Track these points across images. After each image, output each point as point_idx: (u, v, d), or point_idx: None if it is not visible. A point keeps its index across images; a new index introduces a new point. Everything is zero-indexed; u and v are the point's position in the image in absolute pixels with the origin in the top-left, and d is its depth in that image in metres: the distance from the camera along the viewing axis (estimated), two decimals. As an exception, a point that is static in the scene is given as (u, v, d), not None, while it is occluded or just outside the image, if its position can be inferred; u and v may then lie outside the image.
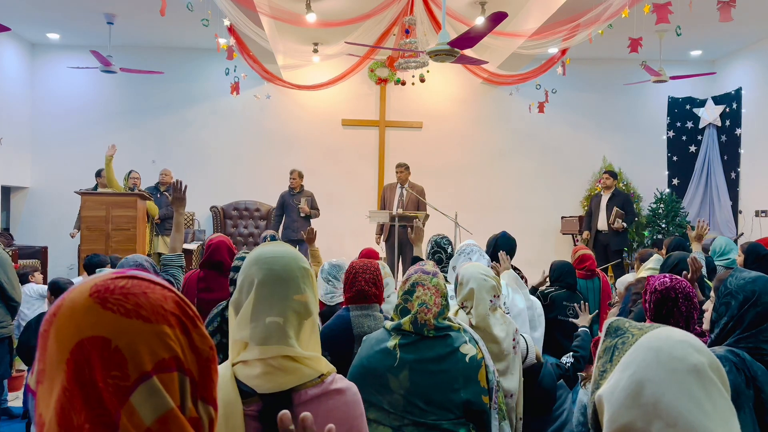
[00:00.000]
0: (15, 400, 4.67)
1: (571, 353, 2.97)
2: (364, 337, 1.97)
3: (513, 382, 2.24)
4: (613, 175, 7.74)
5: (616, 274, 6.84)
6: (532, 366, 2.49)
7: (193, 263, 7.29)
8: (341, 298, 2.81)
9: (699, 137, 9.13)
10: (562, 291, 3.79)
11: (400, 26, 6.61)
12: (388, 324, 1.90)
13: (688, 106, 9.16)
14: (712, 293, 1.96)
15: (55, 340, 0.62)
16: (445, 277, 3.07)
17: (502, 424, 1.92)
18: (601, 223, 7.51)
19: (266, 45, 6.92)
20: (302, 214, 7.17)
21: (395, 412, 1.78)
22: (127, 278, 0.67)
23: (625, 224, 7.29)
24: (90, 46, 7.80)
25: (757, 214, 8.10)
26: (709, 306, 1.98)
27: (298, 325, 1.22)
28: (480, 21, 6.01)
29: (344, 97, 9.05)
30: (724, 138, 8.80)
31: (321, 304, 3.09)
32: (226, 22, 6.02)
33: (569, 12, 5.95)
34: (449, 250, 3.45)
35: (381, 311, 2.41)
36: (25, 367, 4.61)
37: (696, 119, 9.11)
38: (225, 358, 1.26)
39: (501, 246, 3.81)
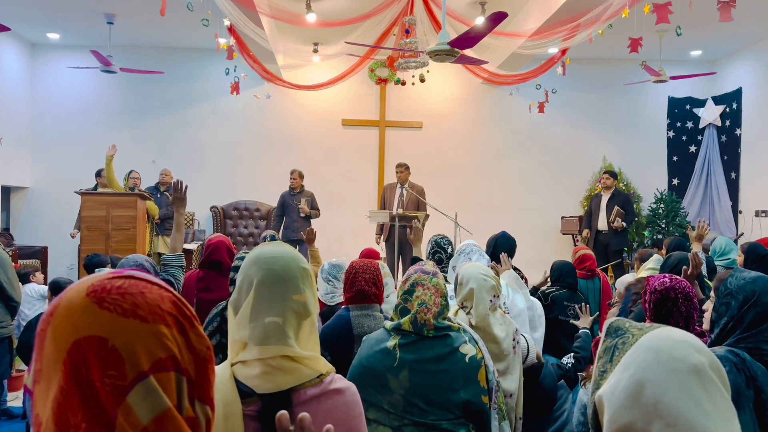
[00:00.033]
0: (15, 400, 4.67)
1: (572, 354, 2.97)
2: (364, 337, 1.97)
3: (513, 382, 2.24)
4: (613, 175, 7.74)
5: (616, 274, 6.83)
6: (532, 366, 2.49)
7: (193, 263, 7.29)
8: (341, 298, 2.81)
9: (699, 137, 9.14)
10: (563, 291, 3.79)
11: (400, 26, 6.61)
12: (388, 324, 1.90)
13: (688, 106, 9.16)
14: (712, 293, 1.96)
15: (52, 339, 0.62)
16: (445, 277, 3.07)
17: (501, 424, 1.92)
18: (601, 223, 7.51)
19: (266, 45, 6.92)
20: (302, 215, 7.17)
21: (395, 412, 1.78)
22: (124, 278, 0.67)
23: (624, 224, 7.29)
24: (90, 46, 7.80)
25: (757, 214, 8.10)
26: (709, 306, 1.98)
27: (297, 325, 1.21)
28: (480, 21, 6.01)
29: (344, 97, 9.05)
30: (724, 138, 8.80)
31: (321, 304, 3.09)
32: (226, 22, 6.02)
33: (569, 12, 5.95)
34: (449, 250, 3.45)
35: (381, 311, 2.41)
36: (25, 367, 4.62)
37: (696, 119, 9.11)
38: (225, 358, 1.26)
39: (501, 246, 3.81)
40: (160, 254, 7.00)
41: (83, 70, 7.95)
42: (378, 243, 7.13)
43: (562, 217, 8.79)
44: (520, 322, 2.91)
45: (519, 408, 2.27)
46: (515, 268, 3.57)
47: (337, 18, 6.94)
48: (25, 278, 4.82)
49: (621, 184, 8.75)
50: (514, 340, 2.28)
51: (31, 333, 3.57)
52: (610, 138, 9.25)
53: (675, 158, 9.25)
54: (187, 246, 7.30)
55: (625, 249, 7.85)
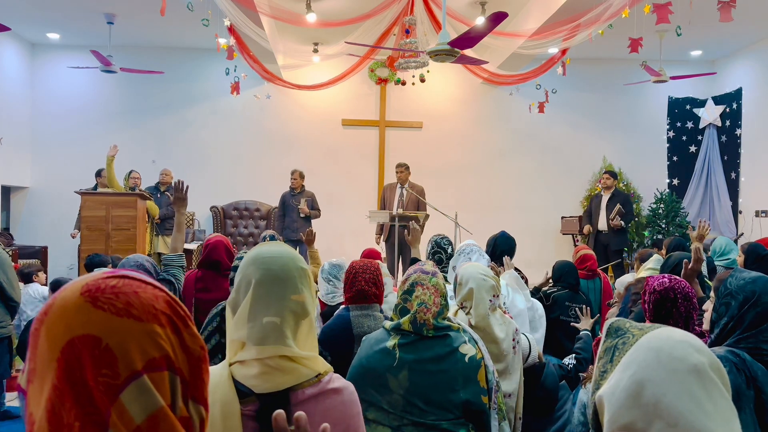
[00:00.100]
0: (14, 400, 4.66)
1: (574, 355, 2.97)
2: (364, 337, 1.96)
3: (512, 383, 2.24)
4: (613, 175, 7.75)
5: (616, 275, 6.83)
6: (534, 366, 2.49)
7: (193, 263, 7.29)
8: (342, 298, 2.81)
9: (699, 137, 9.13)
10: (564, 291, 3.79)
11: (400, 26, 6.61)
12: (388, 324, 1.90)
13: (688, 106, 9.16)
14: (712, 293, 1.96)
15: (46, 338, 0.62)
16: (445, 277, 3.07)
17: (501, 425, 1.92)
18: (602, 224, 7.52)
19: (266, 45, 6.92)
20: (302, 215, 7.17)
21: (394, 412, 1.78)
22: (118, 278, 0.67)
23: (623, 223, 7.29)
24: (90, 45, 7.80)
25: (757, 214, 8.10)
26: (709, 306, 1.98)
27: (296, 325, 1.21)
28: (480, 21, 6.01)
29: (344, 97, 9.05)
30: (724, 138, 8.80)
31: (322, 304, 3.09)
32: (226, 22, 6.02)
33: (569, 12, 5.95)
34: (449, 251, 3.45)
35: (381, 311, 2.41)
36: (26, 367, 4.61)
37: (696, 119, 9.11)
38: (225, 358, 1.26)
39: (500, 246, 3.81)
40: (160, 254, 7.00)
41: (83, 70, 7.95)
42: (378, 243, 7.13)
43: (562, 217, 8.78)
44: (520, 322, 2.91)
45: (519, 408, 2.27)
46: (515, 269, 3.57)
47: (337, 18, 6.94)
48: (27, 278, 4.81)
49: (621, 184, 8.75)
50: (514, 340, 2.28)
51: (31, 332, 3.56)
52: (610, 138, 9.25)
53: (675, 158, 9.25)
54: (187, 246, 7.30)
55: (625, 249, 7.85)
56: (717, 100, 8.88)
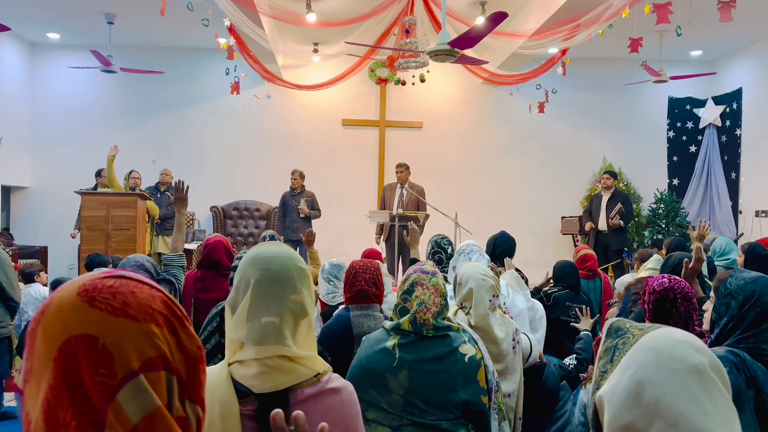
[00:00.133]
0: (14, 400, 4.66)
1: (574, 355, 2.97)
2: (364, 337, 1.96)
3: (512, 383, 2.23)
4: (613, 175, 7.75)
5: (616, 275, 6.83)
6: (535, 366, 2.49)
7: (193, 263, 7.29)
8: (342, 298, 2.81)
9: (699, 137, 9.13)
10: (565, 291, 3.78)
11: (401, 26, 6.61)
12: (387, 324, 1.90)
13: (688, 106, 9.16)
14: (711, 293, 1.96)
15: (43, 338, 0.62)
16: (445, 277, 3.07)
17: (501, 425, 1.92)
18: (602, 224, 7.52)
19: (266, 45, 6.92)
20: (302, 215, 7.17)
21: (394, 412, 1.77)
22: (115, 278, 0.67)
23: (621, 222, 7.29)
24: (90, 45, 7.80)
25: (757, 214, 8.10)
26: (708, 306, 1.98)
27: (295, 325, 1.21)
28: (480, 21, 6.01)
29: (344, 97, 9.05)
30: (724, 138, 8.80)
31: (322, 303, 3.09)
32: (227, 22, 6.02)
33: (569, 12, 5.95)
34: (449, 251, 3.45)
35: (381, 311, 2.40)
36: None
37: (696, 119, 9.11)
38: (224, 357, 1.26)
39: (500, 246, 3.81)
40: (160, 254, 7.00)
41: (83, 70, 7.95)
42: (378, 243, 7.13)
43: (562, 217, 8.78)
44: (521, 322, 2.91)
45: (519, 408, 2.27)
46: (516, 269, 3.57)
47: (337, 18, 6.94)
48: (29, 278, 4.81)
49: (621, 184, 8.75)
50: (514, 340, 2.28)
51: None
52: (610, 138, 9.25)
53: (675, 158, 9.25)
54: (187, 246, 7.30)
55: (625, 249, 7.85)
56: (717, 100, 8.88)
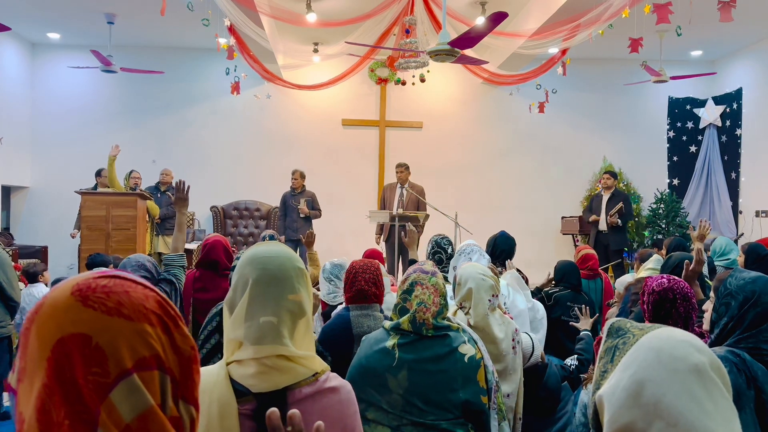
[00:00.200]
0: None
1: (576, 356, 2.97)
2: (364, 337, 1.96)
3: (512, 383, 2.23)
4: (613, 175, 7.74)
5: (616, 275, 6.83)
6: (536, 366, 2.48)
7: (193, 263, 7.29)
8: (343, 298, 2.81)
9: (699, 137, 9.13)
10: (566, 291, 3.78)
11: (401, 26, 6.61)
12: (387, 324, 1.90)
13: (688, 107, 9.16)
14: (711, 293, 1.96)
15: (37, 337, 0.62)
16: (445, 277, 3.06)
17: (501, 425, 1.92)
18: (602, 224, 7.51)
19: (266, 45, 6.92)
20: (302, 215, 7.17)
21: (394, 412, 1.77)
22: (109, 277, 0.67)
23: (619, 221, 7.29)
24: (90, 45, 7.80)
25: (757, 214, 8.10)
26: (708, 306, 1.98)
27: (293, 325, 1.22)
28: (480, 21, 6.01)
29: (344, 97, 9.05)
30: (724, 138, 8.80)
31: (323, 303, 3.08)
32: (227, 22, 6.02)
33: (569, 12, 5.95)
34: (449, 251, 3.45)
35: (381, 311, 2.40)
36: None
37: (696, 119, 9.11)
38: (224, 357, 1.26)
39: (500, 246, 3.81)
40: (160, 254, 7.00)
41: (83, 69, 7.95)
42: (378, 243, 7.13)
43: (562, 217, 8.78)
44: (521, 322, 2.90)
45: (519, 408, 2.27)
46: (516, 269, 3.57)
47: (338, 18, 6.94)
48: (33, 277, 4.80)
49: (621, 184, 8.75)
50: (513, 340, 2.28)
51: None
52: (610, 138, 9.25)
53: (675, 158, 9.25)
54: (187, 246, 7.29)
55: (625, 249, 7.85)
56: (717, 100, 8.88)
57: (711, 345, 1.81)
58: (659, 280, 2.09)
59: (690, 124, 9.16)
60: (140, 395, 0.62)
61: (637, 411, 0.89)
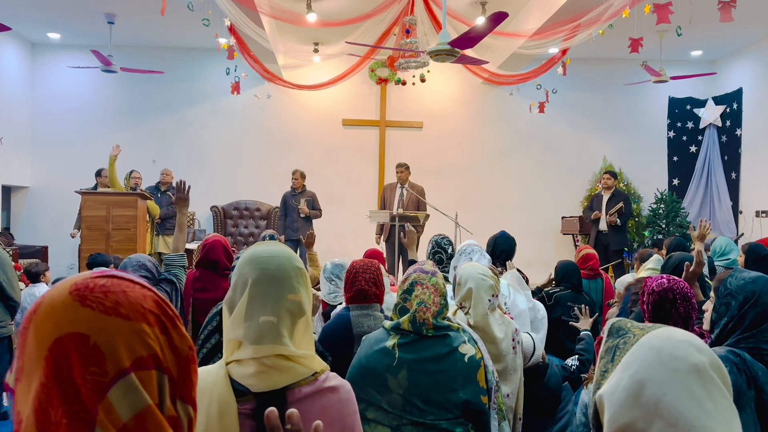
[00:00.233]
0: (14, 399, 4.65)
1: (577, 356, 2.96)
2: (364, 337, 1.96)
3: (512, 383, 2.23)
4: (613, 175, 7.74)
5: (616, 275, 6.83)
6: (537, 366, 2.48)
7: (194, 263, 7.29)
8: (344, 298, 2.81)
9: (699, 137, 9.13)
10: (567, 291, 3.78)
11: (401, 26, 6.61)
12: (387, 323, 1.90)
13: (688, 107, 9.16)
14: (712, 293, 1.96)
15: (35, 336, 0.62)
16: (446, 277, 3.06)
17: (501, 425, 1.92)
18: (602, 224, 7.52)
19: (267, 45, 6.92)
20: (302, 215, 7.18)
21: (394, 412, 1.77)
22: (107, 277, 0.67)
23: (618, 221, 7.30)
24: (90, 45, 7.80)
25: (757, 214, 8.10)
26: (709, 306, 1.98)
27: (292, 324, 1.22)
28: (480, 21, 6.01)
29: (345, 97, 9.05)
30: (724, 138, 8.79)
31: (324, 303, 3.08)
32: (227, 22, 6.02)
33: (570, 12, 5.95)
34: (449, 251, 3.45)
35: (381, 311, 2.40)
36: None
37: (696, 119, 9.11)
38: (223, 357, 1.26)
39: (500, 246, 3.81)
40: (160, 254, 7.00)
41: (83, 69, 7.95)
42: (378, 243, 7.13)
43: (562, 217, 8.78)
44: (522, 322, 2.90)
45: (519, 408, 2.26)
46: (517, 269, 3.56)
47: (338, 18, 6.94)
48: (35, 277, 4.80)
49: (621, 184, 8.75)
50: (513, 340, 2.27)
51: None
52: (610, 138, 9.25)
53: (675, 158, 9.25)
54: (187, 246, 7.29)
55: (625, 249, 7.85)
56: (717, 100, 8.88)
57: (711, 345, 1.81)
58: (659, 281, 2.09)
59: (690, 124, 9.16)
60: (138, 395, 0.62)
61: (637, 411, 0.89)
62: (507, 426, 1.96)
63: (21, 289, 4.04)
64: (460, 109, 9.27)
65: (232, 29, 6.27)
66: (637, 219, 8.78)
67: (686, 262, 2.75)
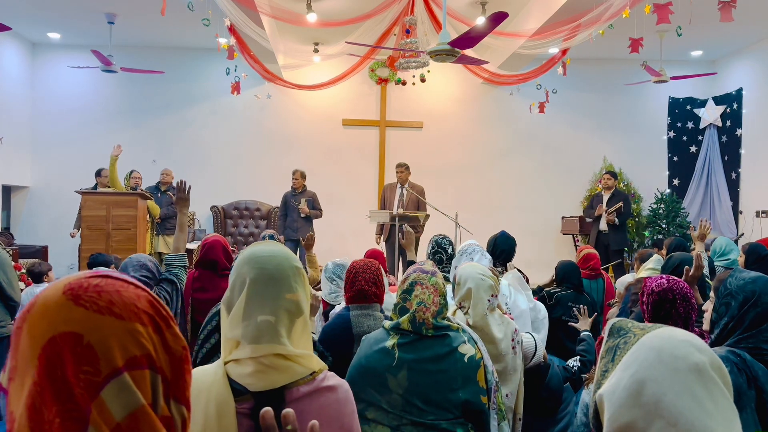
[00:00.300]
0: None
1: (578, 357, 2.96)
2: (364, 337, 1.96)
3: (512, 384, 2.23)
4: (613, 175, 7.74)
5: (616, 275, 6.83)
6: (539, 366, 2.48)
7: (193, 263, 7.29)
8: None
9: (699, 137, 9.13)
10: (568, 291, 3.78)
11: (401, 26, 6.61)
12: (387, 323, 1.90)
13: (688, 107, 9.15)
14: (711, 293, 1.96)
15: (28, 336, 0.62)
16: (446, 277, 3.06)
17: (501, 425, 1.91)
18: (602, 224, 7.52)
19: (267, 45, 6.92)
20: (302, 215, 7.18)
21: (394, 412, 1.77)
22: (101, 277, 0.67)
23: (617, 220, 7.29)
24: (91, 45, 7.80)
25: (757, 214, 8.09)
26: (709, 306, 1.98)
27: (290, 324, 1.22)
28: (481, 21, 6.01)
29: (345, 97, 9.05)
30: (724, 138, 8.79)
31: (325, 303, 3.09)
32: (227, 22, 6.02)
33: (570, 12, 5.95)
34: (450, 251, 3.45)
35: (381, 311, 2.40)
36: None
37: (696, 119, 9.11)
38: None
39: (500, 246, 3.81)
40: (160, 254, 7.00)
41: (84, 69, 7.95)
42: (378, 243, 7.13)
43: (562, 217, 8.78)
44: (522, 323, 2.90)
45: (519, 408, 2.26)
46: (518, 269, 3.56)
47: (338, 18, 6.94)
48: (38, 277, 4.80)
49: (621, 184, 8.75)
50: (513, 340, 2.27)
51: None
52: (610, 138, 9.25)
53: (675, 158, 9.25)
54: (187, 245, 7.29)
55: (626, 249, 7.85)
56: (717, 101, 8.88)
57: (711, 345, 1.81)
58: (659, 281, 2.09)
59: (690, 125, 9.15)
60: (131, 394, 0.62)
61: (637, 410, 0.89)
62: (507, 426, 1.96)
63: (21, 289, 4.04)
64: (460, 109, 9.27)
65: (232, 29, 6.27)
66: (637, 219, 8.78)
67: (686, 267, 2.75)
